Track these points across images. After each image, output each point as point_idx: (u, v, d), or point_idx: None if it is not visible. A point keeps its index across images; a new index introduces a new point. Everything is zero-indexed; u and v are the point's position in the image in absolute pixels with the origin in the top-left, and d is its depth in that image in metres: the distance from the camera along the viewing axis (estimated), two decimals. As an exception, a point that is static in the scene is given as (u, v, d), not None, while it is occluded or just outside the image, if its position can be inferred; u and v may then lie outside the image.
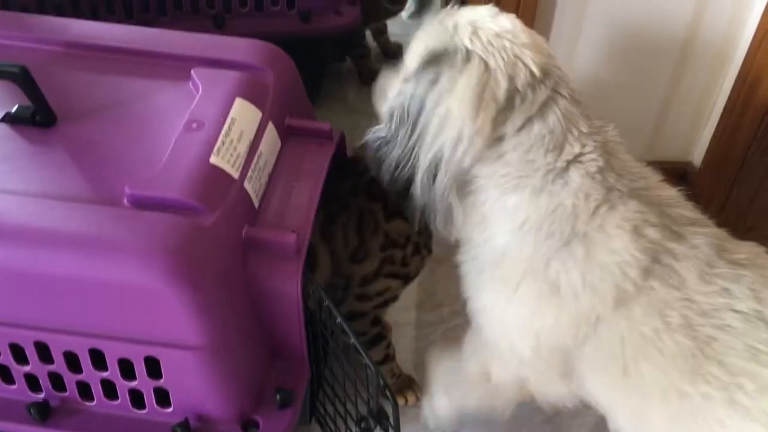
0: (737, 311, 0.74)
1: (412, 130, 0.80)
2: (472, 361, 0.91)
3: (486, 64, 0.77)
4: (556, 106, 0.78)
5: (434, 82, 0.78)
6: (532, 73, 0.77)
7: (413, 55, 0.82)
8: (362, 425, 0.77)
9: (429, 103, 0.78)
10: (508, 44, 0.78)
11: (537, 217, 0.78)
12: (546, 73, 0.79)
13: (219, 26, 1.36)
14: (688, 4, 1.24)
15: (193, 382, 0.79)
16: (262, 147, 0.87)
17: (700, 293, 0.75)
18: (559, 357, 0.81)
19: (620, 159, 0.81)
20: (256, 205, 0.84)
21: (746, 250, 0.80)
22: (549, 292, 0.78)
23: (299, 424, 1.00)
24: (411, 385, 1.11)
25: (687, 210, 0.81)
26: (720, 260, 0.77)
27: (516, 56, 0.78)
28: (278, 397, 0.84)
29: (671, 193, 0.83)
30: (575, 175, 0.78)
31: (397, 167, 0.82)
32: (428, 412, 1.00)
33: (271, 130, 0.90)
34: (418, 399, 1.09)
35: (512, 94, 0.77)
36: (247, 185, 0.82)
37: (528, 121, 0.78)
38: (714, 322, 0.74)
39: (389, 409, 0.78)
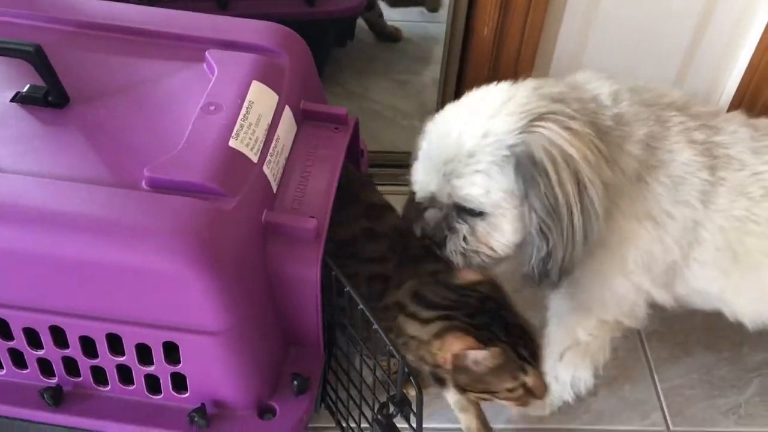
0: None
1: (563, 227, 0.81)
2: (559, 331, 0.99)
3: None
4: None
5: (541, 177, 0.79)
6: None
7: (494, 186, 0.82)
8: (383, 411, 0.77)
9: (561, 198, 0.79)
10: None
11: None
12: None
13: (222, 7, 1.34)
14: (696, 3, 1.24)
15: (211, 367, 0.79)
16: (280, 131, 0.86)
17: (761, 164, 0.87)
18: (667, 273, 0.90)
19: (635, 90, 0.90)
20: (275, 189, 0.83)
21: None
22: (650, 226, 0.86)
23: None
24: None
25: (702, 106, 0.92)
26: (757, 133, 0.89)
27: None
28: (295, 383, 0.83)
29: (677, 94, 0.92)
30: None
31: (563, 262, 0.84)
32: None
33: (287, 114, 0.88)
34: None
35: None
36: (266, 169, 0.81)
37: None
38: None
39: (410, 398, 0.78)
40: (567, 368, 1.00)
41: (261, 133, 0.83)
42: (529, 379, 0.80)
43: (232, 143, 0.79)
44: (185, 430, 0.80)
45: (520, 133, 0.79)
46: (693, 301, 0.96)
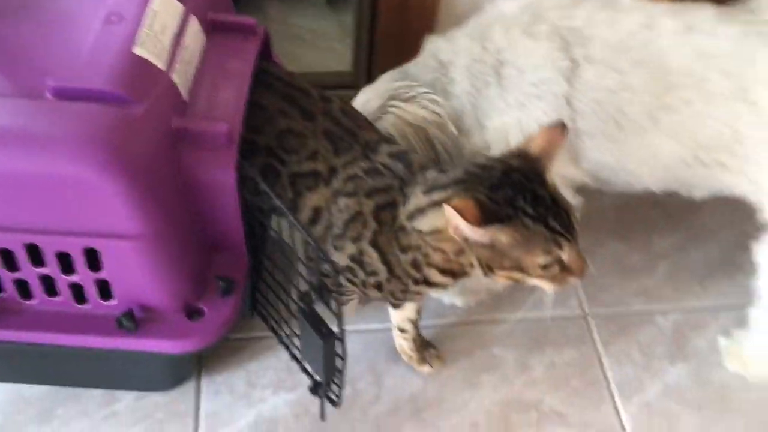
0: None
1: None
2: None
3: None
4: None
5: None
6: None
7: None
8: (305, 299, 0.81)
9: None
10: None
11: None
12: None
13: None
14: None
15: (134, 272, 0.81)
16: (187, 40, 0.87)
17: (620, 40, 0.95)
18: (567, 150, 0.99)
19: None
20: (185, 97, 0.84)
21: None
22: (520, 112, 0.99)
23: (241, 317, 1.03)
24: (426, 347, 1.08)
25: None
26: (615, 12, 0.97)
27: None
28: (221, 285, 0.87)
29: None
30: None
31: None
32: None
33: (194, 23, 0.89)
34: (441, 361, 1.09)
35: None
36: (174, 77, 0.82)
37: None
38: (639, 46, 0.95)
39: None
40: None
41: (167, 41, 0.83)
42: (565, 254, 0.75)
43: (137, 51, 0.80)
44: (115, 334, 0.83)
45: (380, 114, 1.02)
46: (605, 175, 1.04)
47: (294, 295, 0.89)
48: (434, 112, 1.02)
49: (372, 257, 0.84)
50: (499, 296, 1.15)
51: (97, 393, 1.02)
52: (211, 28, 0.93)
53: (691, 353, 1.12)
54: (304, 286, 0.83)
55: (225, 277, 0.87)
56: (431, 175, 0.82)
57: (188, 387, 1.04)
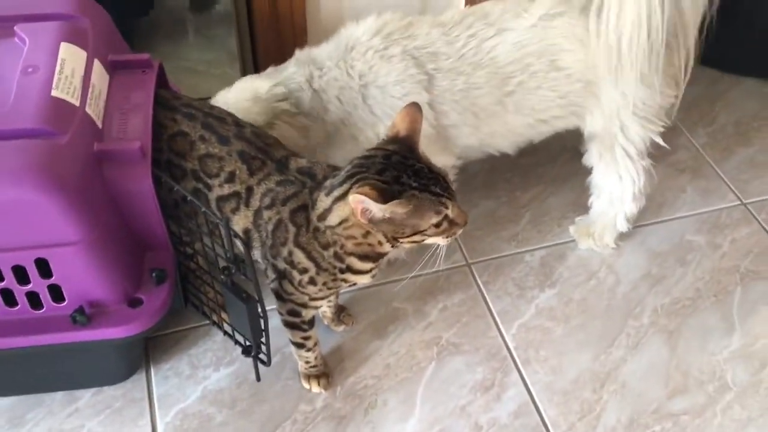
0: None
1: None
2: None
3: None
4: None
5: None
6: None
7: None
8: (225, 273, 0.99)
9: None
10: None
11: None
12: None
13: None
14: None
15: (80, 273, 0.97)
16: (94, 79, 1.04)
17: (457, 50, 1.19)
18: (438, 142, 1.23)
19: None
20: (100, 125, 1.02)
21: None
22: None
23: (176, 310, 1.20)
24: (323, 375, 1.19)
25: (397, 22, 1.24)
26: (446, 29, 1.21)
27: None
28: (154, 275, 1.04)
29: (375, 24, 1.23)
30: None
31: None
32: None
33: (97, 65, 1.06)
34: (324, 389, 1.19)
35: None
36: (88, 110, 1.00)
37: None
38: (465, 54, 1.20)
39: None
40: None
41: (77, 82, 1.01)
42: (450, 211, 0.92)
43: (54, 93, 0.97)
44: (71, 330, 0.99)
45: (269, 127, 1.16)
46: (471, 153, 1.31)
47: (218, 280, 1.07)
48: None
49: (299, 256, 0.98)
50: (395, 262, 1.37)
51: (58, 395, 1.17)
52: (113, 67, 1.11)
53: (556, 280, 1.36)
54: (223, 263, 1.02)
55: (157, 268, 1.05)
56: (328, 181, 0.95)
57: (139, 377, 1.21)
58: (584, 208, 1.45)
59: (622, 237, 1.40)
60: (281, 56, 1.49)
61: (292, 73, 1.22)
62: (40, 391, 1.16)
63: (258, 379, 1.18)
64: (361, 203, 0.87)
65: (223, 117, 1.07)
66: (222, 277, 1.00)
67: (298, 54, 1.25)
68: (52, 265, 0.96)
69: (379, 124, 1.20)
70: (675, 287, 1.34)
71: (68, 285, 0.98)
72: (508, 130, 1.27)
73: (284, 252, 0.99)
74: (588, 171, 1.34)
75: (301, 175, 1.00)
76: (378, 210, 0.87)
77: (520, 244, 1.42)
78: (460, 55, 1.18)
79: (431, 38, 1.20)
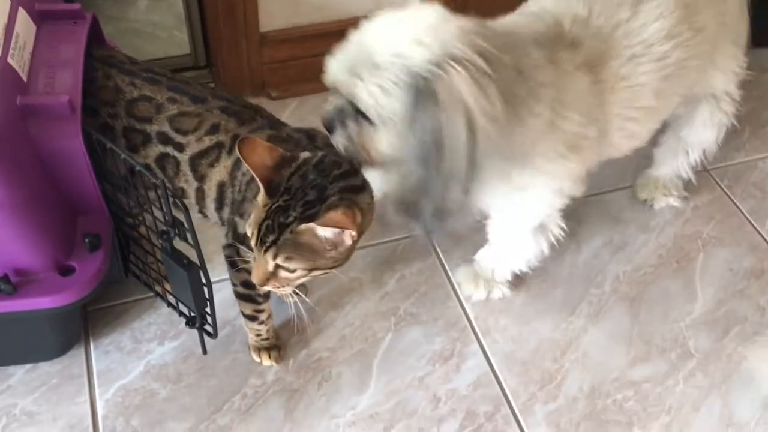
0: None
1: (443, 158, 0.85)
2: None
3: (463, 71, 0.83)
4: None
5: (434, 113, 0.83)
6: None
7: (386, 102, 0.85)
8: (164, 237, 0.92)
9: (446, 129, 0.84)
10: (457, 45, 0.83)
11: None
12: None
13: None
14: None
15: (3, 238, 0.90)
16: (18, 29, 0.95)
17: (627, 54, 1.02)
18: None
19: None
20: (25, 79, 0.93)
21: None
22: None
23: (117, 281, 1.13)
24: (275, 348, 1.14)
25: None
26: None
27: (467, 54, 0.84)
28: (87, 241, 0.97)
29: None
30: None
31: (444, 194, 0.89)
32: None
33: (22, 14, 0.98)
34: (276, 362, 1.13)
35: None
36: (10, 61, 0.91)
37: None
38: None
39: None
40: None
41: (-1, 31, 0.92)
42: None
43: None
44: (-6, 300, 0.92)
45: (431, 67, 0.83)
46: None
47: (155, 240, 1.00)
48: (498, 106, 0.89)
49: None
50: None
51: (-11, 372, 1.10)
52: (41, 18, 1.02)
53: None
54: (162, 228, 0.95)
55: (90, 233, 0.97)
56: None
57: (77, 353, 1.13)
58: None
59: (583, 205, 1.36)
60: (231, 16, 1.43)
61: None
62: (-32, 368, 1.09)
63: (204, 352, 1.12)
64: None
65: (188, 81, 1.00)
66: (160, 242, 0.93)
67: None
68: (-30, 229, 0.88)
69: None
70: (637, 254, 1.31)
71: (-10, 251, 0.91)
72: (658, 122, 1.14)
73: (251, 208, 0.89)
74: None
75: (298, 134, 0.93)
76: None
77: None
78: (618, 54, 1.00)
79: (590, 38, 0.99)
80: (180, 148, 0.95)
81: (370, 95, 0.85)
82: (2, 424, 1.05)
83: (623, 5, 1.02)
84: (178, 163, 0.95)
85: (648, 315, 1.22)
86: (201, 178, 0.95)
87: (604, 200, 1.39)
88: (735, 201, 1.40)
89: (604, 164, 1.37)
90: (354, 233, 0.82)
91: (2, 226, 0.88)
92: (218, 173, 0.94)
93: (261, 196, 0.84)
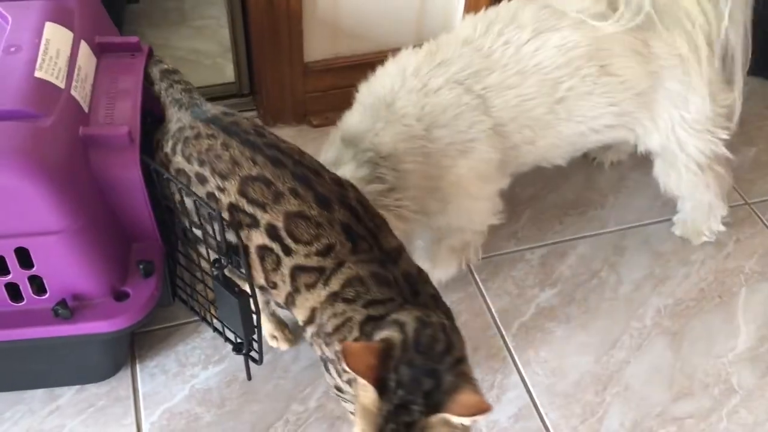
0: None
1: None
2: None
3: None
4: None
5: None
6: None
7: None
8: (216, 265, 0.94)
9: None
10: None
11: None
12: None
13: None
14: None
15: (63, 265, 0.92)
16: (80, 61, 0.99)
17: (492, 62, 1.11)
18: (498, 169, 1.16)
19: None
20: (86, 110, 0.97)
21: None
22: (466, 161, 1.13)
23: (164, 305, 1.15)
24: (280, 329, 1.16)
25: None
26: (474, 45, 1.13)
27: None
28: (141, 267, 0.99)
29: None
30: None
31: None
32: None
33: (84, 47, 1.01)
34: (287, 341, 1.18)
35: None
36: (74, 93, 0.95)
37: None
38: None
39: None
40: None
41: (63, 63, 0.96)
42: None
43: (37, 74, 0.92)
44: (53, 323, 0.94)
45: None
46: (522, 170, 1.23)
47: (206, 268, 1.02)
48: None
49: None
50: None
51: (39, 393, 1.12)
52: (100, 50, 1.06)
53: (557, 279, 1.32)
54: (214, 256, 0.97)
55: (145, 260, 1.00)
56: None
57: (124, 375, 1.16)
58: (585, 207, 1.43)
59: (623, 237, 1.37)
60: (276, 46, 1.46)
61: (343, 155, 1.06)
62: (20, 389, 1.11)
63: (249, 377, 1.13)
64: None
65: (317, 169, 0.88)
66: (213, 270, 0.95)
67: (332, 137, 1.11)
68: (33, 255, 0.91)
69: (458, 162, 1.10)
70: (678, 288, 1.31)
71: (50, 276, 0.93)
72: (561, 140, 1.18)
73: (338, 348, 0.83)
74: (589, 169, 1.31)
75: (405, 282, 0.83)
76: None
77: (519, 242, 1.39)
78: (502, 67, 1.09)
79: (465, 58, 1.10)
80: (287, 251, 0.84)
81: None
82: (51, 444, 1.08)
83: (525, 29, 1.10)
84: (279, 262, 0.86)
85: (690, 349, 1.22)
86: (296, 290, 0.86)
87: (644, 232, 1.38)
88: (777, 235, 1.39)
89: (643, 195, 1.38)
90: (490, 409, 0.74)
91: (63, 253, 0.91)
92: (313, 298, 0.85)
93: (371, 399, 0.74)
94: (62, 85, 0.94)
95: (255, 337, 1.04)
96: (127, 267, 1.00)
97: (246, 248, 0.87)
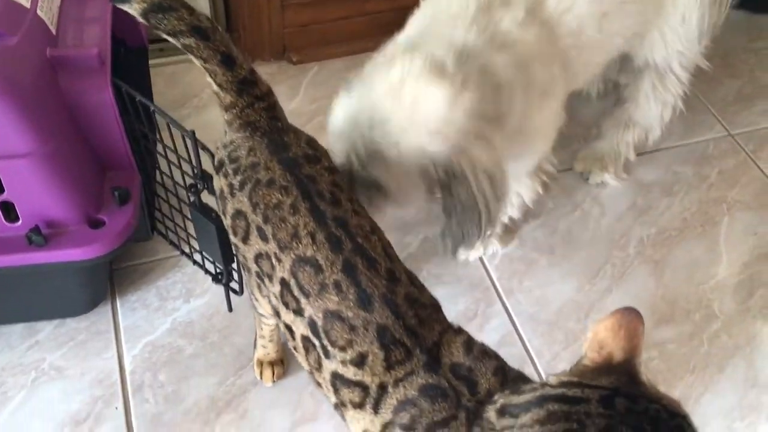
0: None
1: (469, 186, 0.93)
2: None
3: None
4: None
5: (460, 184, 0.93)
6: None
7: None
8: (192, 191, 0.92)
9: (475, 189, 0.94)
10: None
11: None
12: None
13: None
14: None
15: (34, 189, 0.90)
16: (46, -18, 0.96)
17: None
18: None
19: None
20: (54, 31, 0.93)
21: None
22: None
23: (143, 239, 1.14)
24: (277, 363, 1.08)
25: None
26: None
27: None
28: (116, 195, 0.97)
29: None
30: None
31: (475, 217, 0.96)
32: None
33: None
34: (274, 379, 1.08)
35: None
36: (40, 13, 0.92)
37: None
38: None
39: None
40: None
41: (28, -18, 0.92)
42: None
43: (3, -8, 0.88)
44: (27, 251, 0.92)
45: (453, 152, 0.90)
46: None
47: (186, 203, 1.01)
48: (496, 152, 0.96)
49: None
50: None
51: (18, 327, 1.11)
52: (68, -27, 1.02)
53: (540, 211, 1.31)
54: (189, 181, 0.95)
55: (120, 187, 0.98)
56: (501, 420, 0.64)
57: (104, 309, 1.14)
58: (569, 140, 1.41)
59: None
60: (256, 18, 1.42)
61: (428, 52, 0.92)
62: (-2, 323, 1.10)
63: (230, 309, 1.13)
64: None
65: (374, 257, 0.76)
66: (188, 195, 0.93)
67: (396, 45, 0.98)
68: (2, 180, 0.88)
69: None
70: (661, 218, 1.30)
71: (22, 202, 0.91)
72: (604, 59, 1.14)
73: None
74: (573, 103, 1.28)
75: (458, 380, 0.71)
76: None
77: (503, 175, 1.37)
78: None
79: None
80: (326, 353, 0.75)
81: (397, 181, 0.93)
82: (31, 378, 1.07)
83: None
84: (320, 363, 0.76)
85: (672, 277, 1.22)
86: (342, 404, 0.76)
87: (628, 164, 1.37)
88: (760, 165, 1.39)
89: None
90: None
91: (33, 177, 0.89)
92: (365, 422, 0.74)
93: None
94: (27, 4, 0.90)
95: (234, 266, 1.03)
96: (101, 194, 0.98)
97: (289, 327, 0.77)
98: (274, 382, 1.06)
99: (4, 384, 1.06)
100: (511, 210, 1.22)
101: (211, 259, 1.05)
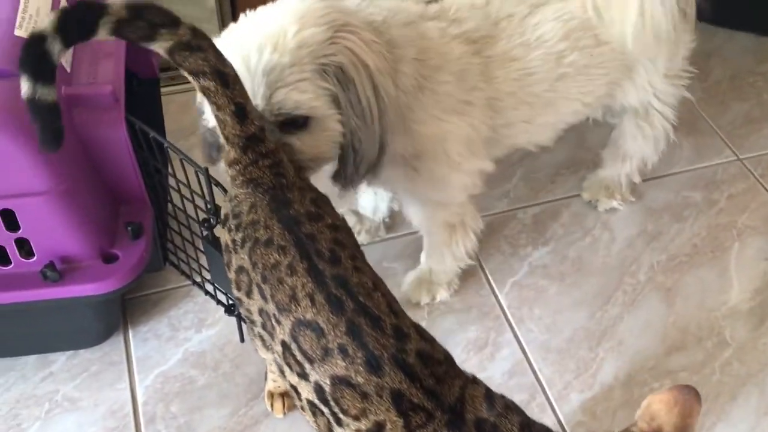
0: None
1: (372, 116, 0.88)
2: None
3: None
4: None
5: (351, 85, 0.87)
6: None
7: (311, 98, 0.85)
8: (205, 225, 0.93)
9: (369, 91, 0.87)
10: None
11: None
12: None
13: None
14: None
15: (49, 226, 0.91)
16: (61, 20, 0.97)
17: (506, 32, 1.03)
18: (485, 146, 1.08)
19: None
20: (68, 69, 0.95)
21: None
22: (456, 119, 1.01)
23: (156, 269, 1.15)
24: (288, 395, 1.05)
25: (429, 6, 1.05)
26: (484, 7, 1.04)
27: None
28: (129, 230, 0.98)
29: (415, 7, 1.03)
30: None
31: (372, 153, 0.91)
32: None
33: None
34: (285, 410, 1.07)
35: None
36: (55, 52, 0.93)
37: None
38: None
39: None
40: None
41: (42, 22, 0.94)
42: None
43: (17, 32, 0.90)
44: (41, 286, 0.93)
45: (331, 44, 0.85)
46: (511, 151, 1.18)
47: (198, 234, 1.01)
48: (386, 59, 0.91)
49: None
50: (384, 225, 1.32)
51: (32, 359, 1.12)
52: (82, 10, 1.03)
53: (550, 237, 1.32)
54: (202, 216, 0.96)
55: (133, 222, 0.98)
56: None
57: (117, 340, 1.15)
58: (578, 166, 1.42)
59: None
60: None
61: None
62: (12, 355, 1.10)
63: (242, 340, 1.13)
64: None
65: (380, 315, 0.72)
66: (201, 230, 0.94)
67: None
68: (19, 217, 0.89)
69: (448, 120, 1.02)
70: (671, 244, 1.30)
71: (37, 239, 0.92)
72: (557, 119, 1.12)
73: None
74: (581, 128, 1.29)
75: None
76: None
77: (512, 201, 1.38)
78: (508, 37, 1.02)
79: (476, 20, 1.01)
80: (338, 422, 0.71)
81: (305, 92, 0.84)
82: (45, 409, 1.07)
83: (522, 3, 1.04)
84: (330, 428, 0.73)
85: (683, 304, 1.22)
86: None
87: (637, 189, 1.38)
88: (769, 190, 1.39)
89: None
90: None
91: (49, 214, 0.90)
92: None
93: None
94: (43, 44, 0.91)
95: (247, 298, 1.03)
96: (115, 229, 0.99)
97: (294, 388, 0.75)
98: (284, 413, 1.07)
99: (19, 416, 1.06)
100: (449, 263, 1.19)
101: (223, 291, 1.06)
